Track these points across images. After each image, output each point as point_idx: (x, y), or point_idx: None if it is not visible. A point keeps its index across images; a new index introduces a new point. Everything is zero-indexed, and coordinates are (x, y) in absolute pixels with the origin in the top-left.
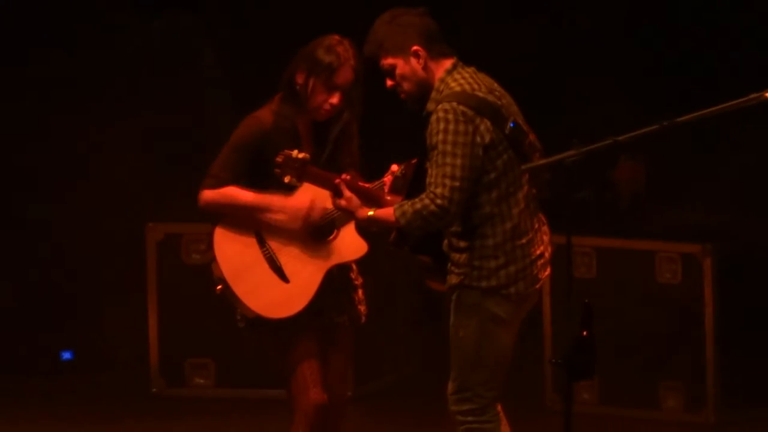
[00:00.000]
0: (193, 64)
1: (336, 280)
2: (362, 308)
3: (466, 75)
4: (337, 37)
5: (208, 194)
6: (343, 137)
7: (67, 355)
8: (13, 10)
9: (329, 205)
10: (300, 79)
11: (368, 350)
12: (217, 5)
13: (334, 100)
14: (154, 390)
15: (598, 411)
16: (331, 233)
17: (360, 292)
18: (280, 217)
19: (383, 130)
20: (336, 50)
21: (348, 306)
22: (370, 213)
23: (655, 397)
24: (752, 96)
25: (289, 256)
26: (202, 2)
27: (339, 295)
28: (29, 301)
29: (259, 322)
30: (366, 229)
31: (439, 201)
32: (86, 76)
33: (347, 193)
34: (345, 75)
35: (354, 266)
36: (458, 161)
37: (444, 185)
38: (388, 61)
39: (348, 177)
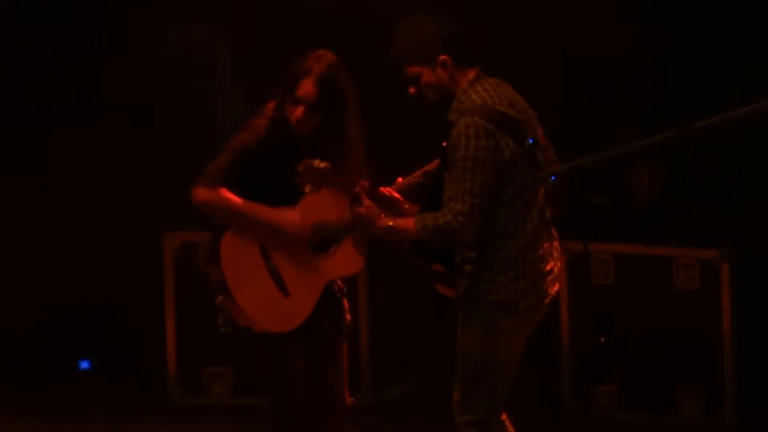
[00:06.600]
0: (208, 72)
1: (325, 289)
2: (348, 317)
3: (488, 87)
4: (322, 51)
5: (202, 193)
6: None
7: (84, 365)
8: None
9: (328, 218)
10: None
11: (386, 357)
12: (231, 14)
13: (298, 113)
14: (172, 398)
15: (617, 417)
16: (330, 248)
17: (345, 300)
18: (275, 231)
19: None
20: (306, 63)
21: (335, 314)
22: (390, 223)
23: (673, 403)
24: None
25: (291, 270)
26: (217, 11)
27: (327, 304)
28: (46, 310)
29: (247, 333)
30: (383, 238)
31: (460, 218)
32: (100, 86)
33: (367, 201)
34: (305, 88)
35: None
36: (478, 177)
37: (464, 201)
38: (414, 69)
39: (367, 184)
